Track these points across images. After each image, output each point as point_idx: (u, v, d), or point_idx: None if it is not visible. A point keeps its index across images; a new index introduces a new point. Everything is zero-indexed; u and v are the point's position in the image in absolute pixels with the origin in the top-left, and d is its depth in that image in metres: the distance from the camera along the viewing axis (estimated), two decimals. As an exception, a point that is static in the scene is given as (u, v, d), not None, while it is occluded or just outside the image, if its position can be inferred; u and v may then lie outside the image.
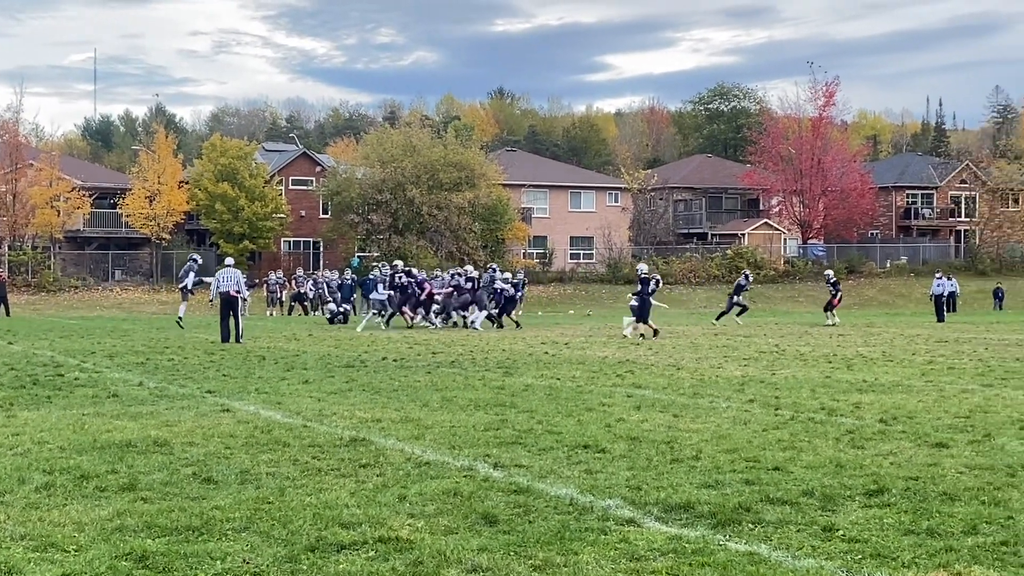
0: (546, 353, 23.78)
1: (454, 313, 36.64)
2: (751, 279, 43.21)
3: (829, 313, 40.70)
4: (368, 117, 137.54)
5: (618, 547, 6.87)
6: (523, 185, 75.52)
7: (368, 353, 23.52)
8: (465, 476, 9.11)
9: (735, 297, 41.31)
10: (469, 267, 39.18)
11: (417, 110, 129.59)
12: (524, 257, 69.79)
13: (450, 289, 36.31)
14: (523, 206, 73.62)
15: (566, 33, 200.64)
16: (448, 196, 63.31)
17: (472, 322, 35.13)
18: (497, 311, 36.38)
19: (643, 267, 32.26)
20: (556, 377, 18.07)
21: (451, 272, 38.36)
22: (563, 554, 6.73)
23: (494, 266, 41.59)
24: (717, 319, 40.30)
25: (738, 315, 40.74)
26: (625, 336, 29.66)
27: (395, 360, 21.59)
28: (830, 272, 43.62)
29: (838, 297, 41.02)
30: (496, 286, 36.58)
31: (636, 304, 30.73)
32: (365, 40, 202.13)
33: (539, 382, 17.21)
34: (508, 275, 38.80)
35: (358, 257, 61.50)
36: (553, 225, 75.81)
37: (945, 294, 46.32)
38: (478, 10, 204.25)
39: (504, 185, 68.69)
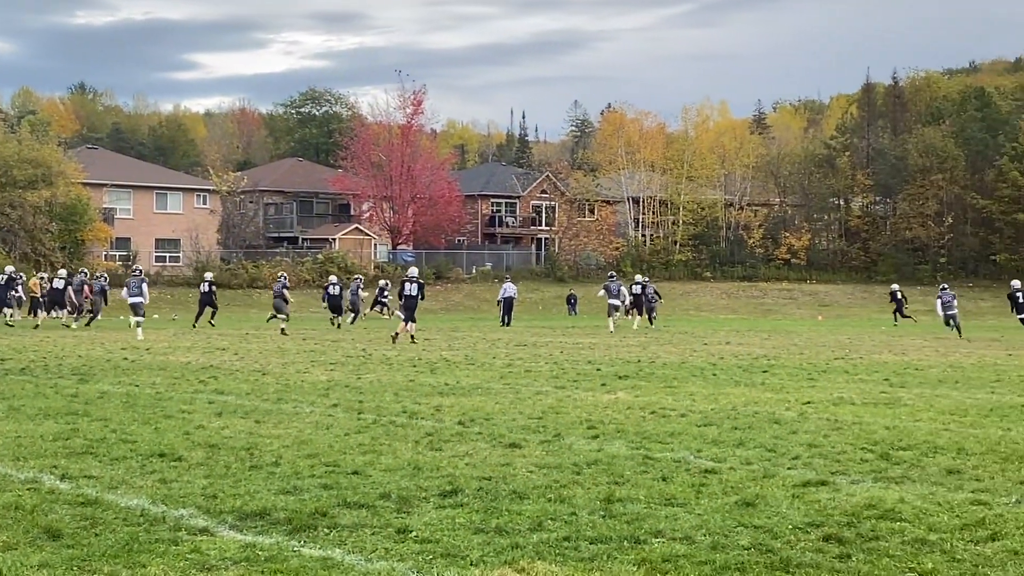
0: (125, 359, 22.93)
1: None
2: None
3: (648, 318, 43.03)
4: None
5: (188, 557, 6.70)
6: (105, 185, 72.51)
7: (-72, 360, 21.86)
8: (29, 489, 8.64)
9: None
10: (334, 278, 45.66)
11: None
12: (106, 259, 67.01)
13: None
14: (105, 206, 70.74)
15: (152, 28, 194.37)
16: (23, 194, 60.21)
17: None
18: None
19: (414, 271, 32.97)
20: (135, 384, 17.44)
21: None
22: (130, 567, 6.49)
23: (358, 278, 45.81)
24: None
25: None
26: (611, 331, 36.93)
27: (-42, 367, 20.18)
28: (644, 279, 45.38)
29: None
30: (329, 290, 43.28)
31: (617, 302, 39.39)
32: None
33: (116, 389, 16.56)
34: (334, 278, 44.94)
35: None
36: (137, 226, 73.23)
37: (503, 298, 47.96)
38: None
39: (84, 184, 65.81)
